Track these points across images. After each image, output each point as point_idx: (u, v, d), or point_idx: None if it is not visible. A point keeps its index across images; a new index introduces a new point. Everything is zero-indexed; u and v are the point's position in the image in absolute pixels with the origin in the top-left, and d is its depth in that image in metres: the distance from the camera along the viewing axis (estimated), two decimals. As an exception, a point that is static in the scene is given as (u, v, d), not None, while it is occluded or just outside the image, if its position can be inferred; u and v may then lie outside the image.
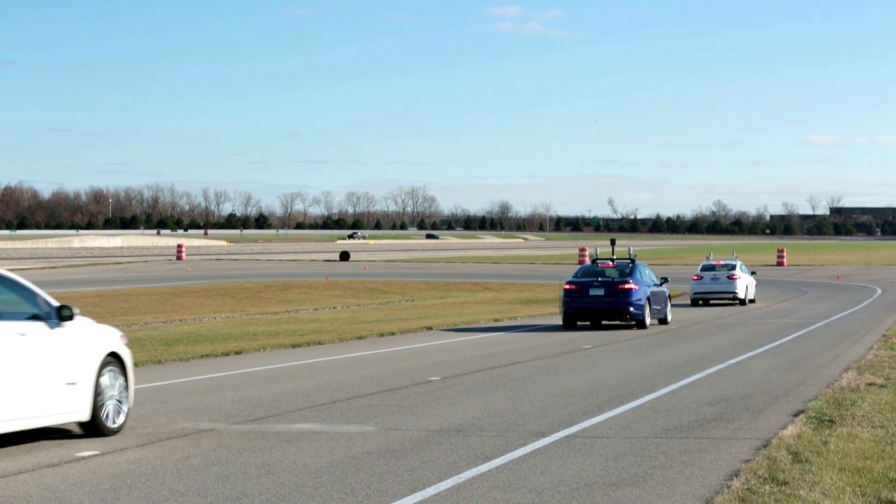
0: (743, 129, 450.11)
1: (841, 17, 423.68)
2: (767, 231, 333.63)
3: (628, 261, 33.24)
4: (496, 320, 36.11)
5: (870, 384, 18.33)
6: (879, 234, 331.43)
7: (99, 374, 13.67)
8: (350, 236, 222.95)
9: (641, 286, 32.03)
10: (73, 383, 13.29)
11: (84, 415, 13.48)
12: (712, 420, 14.92)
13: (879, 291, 55.79)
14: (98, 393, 13.61)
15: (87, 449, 12.81)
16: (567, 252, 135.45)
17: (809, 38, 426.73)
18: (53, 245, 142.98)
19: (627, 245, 39.30)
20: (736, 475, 11.24)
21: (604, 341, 28.09)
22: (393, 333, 30.52)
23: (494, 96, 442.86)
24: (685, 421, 14.81)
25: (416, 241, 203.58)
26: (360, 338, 29.02)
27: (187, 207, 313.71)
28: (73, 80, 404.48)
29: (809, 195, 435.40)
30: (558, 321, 34.09)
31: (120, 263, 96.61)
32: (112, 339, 14.10)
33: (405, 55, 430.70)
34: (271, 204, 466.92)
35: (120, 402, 13.99)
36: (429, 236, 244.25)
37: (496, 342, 28.30)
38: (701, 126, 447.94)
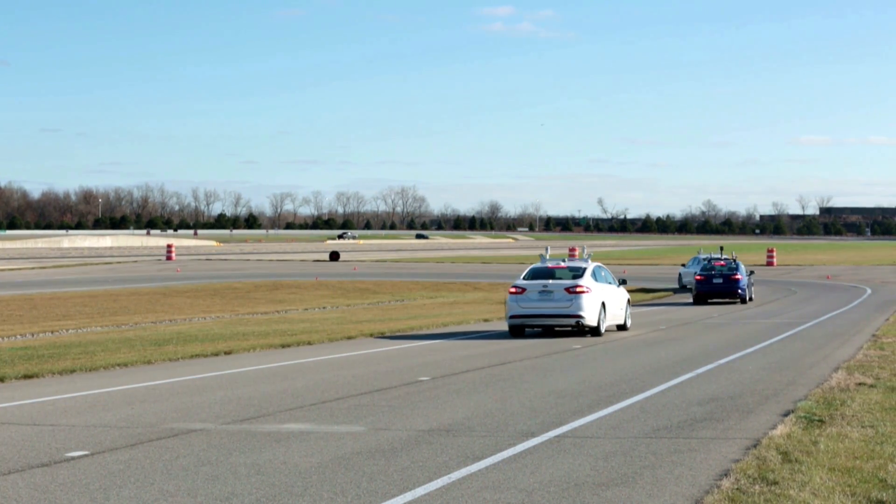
0: (733, 129, 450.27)
1: (832, 18, 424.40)
2: (757, 231, 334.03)
3: (732, 260, 49.85)
4: (486, 320, 36.14)
5: (859, 384, 18.36)
6: (869, 234, 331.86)
7: (626, 306, 32.02)
8: (340, 236, 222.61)
9: (743, 276, 48.20)
10: (622, 309, 31.64)
11: (622, 321, 31.60)
12: (702, 420, 14.93)
13: (869, 291, 55.89)
14: (625, 314, 31.83)
15: (79, 449, 12.80)
16: (557, 252, 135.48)
17: (800, 39, 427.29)
18: (43, 245, 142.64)
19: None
20: (726, 475, 11.26)
21: (597, 341, 28.15)
22: (383, 333, 30.52)
23: (485, 96, 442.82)
24: (675, 421, 14.82)
25: (405, 241, 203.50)
26: (349, 338, 29.02)
27: (177, 207, 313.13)
28: (63, 81, 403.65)
29: (799, 195, 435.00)
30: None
31: (110, 263, 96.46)
32: (626, 294, 32.50)
33: (396, 55, 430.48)
34: (261, 204, 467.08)
35: (629, 319, 32.16)
36: (419, 236, 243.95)
37: (486, 342, 28.31)
38: (691, 126, 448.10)
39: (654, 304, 48.54)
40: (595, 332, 29.78)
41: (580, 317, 29.25)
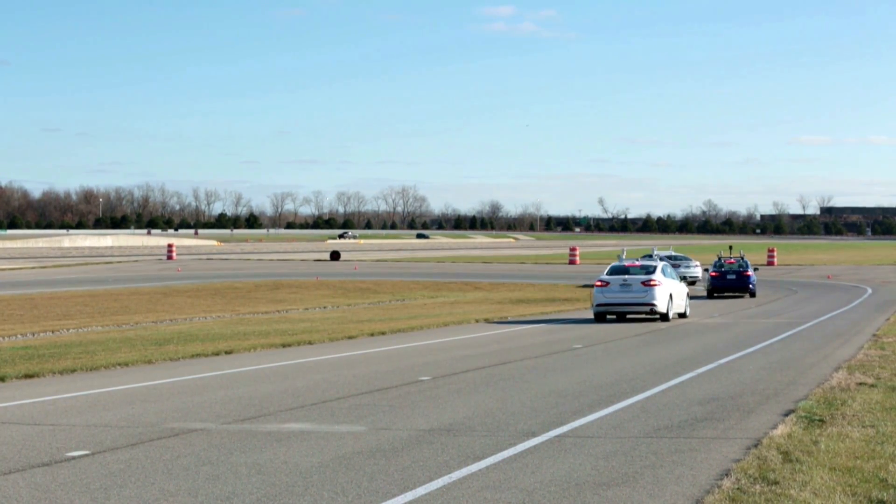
0: (734, 128, 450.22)
1: (832, 18, 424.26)
2: (758, 231, 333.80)
3: (740, 258, 54.01)
4: (486, 320, 36.16)
5: (860, 384, 18.36)
6: (870, 233, 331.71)
7: (686, 299, 37.98)
8: (340, 236, 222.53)
9: (752, 274, 52.83)
10: (683, 300, 37.54)
11: (683, 310, 37.33)
12: (703, 420, 14.94)
13: (869, 291, 55.88)
14: (685, 305, 37.64)
15: (80, 448, 12.80)
16: (557, 252, 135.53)
17: (800, 38, 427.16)
18: (44, 245, 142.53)
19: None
20: (726, 475, 11.26)
21: (597, 340, 28.16)
22: (383, 333, 30.52)
23: (486, 96, 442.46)
24: (676, 421, 14.82)
25: (406, 241, 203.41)
26: (350, 337, 29.02)
27: (178, 207, 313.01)
28: (64, 81, 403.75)
29: (800, 195, 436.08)
30: (549, 319, 36.03)
31: (110, 263, 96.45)
32: (686, 288, 38.65)
33: (396, 55, 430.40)
34: (262, 203, 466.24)
35: (688, 309, 38.15)
36: (419, 236, 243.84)
37: (487, 342, 28.33)
38: (692, 126, 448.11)
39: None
40: (664, 317, 35.84)
41: (654, 305, 35.43)
